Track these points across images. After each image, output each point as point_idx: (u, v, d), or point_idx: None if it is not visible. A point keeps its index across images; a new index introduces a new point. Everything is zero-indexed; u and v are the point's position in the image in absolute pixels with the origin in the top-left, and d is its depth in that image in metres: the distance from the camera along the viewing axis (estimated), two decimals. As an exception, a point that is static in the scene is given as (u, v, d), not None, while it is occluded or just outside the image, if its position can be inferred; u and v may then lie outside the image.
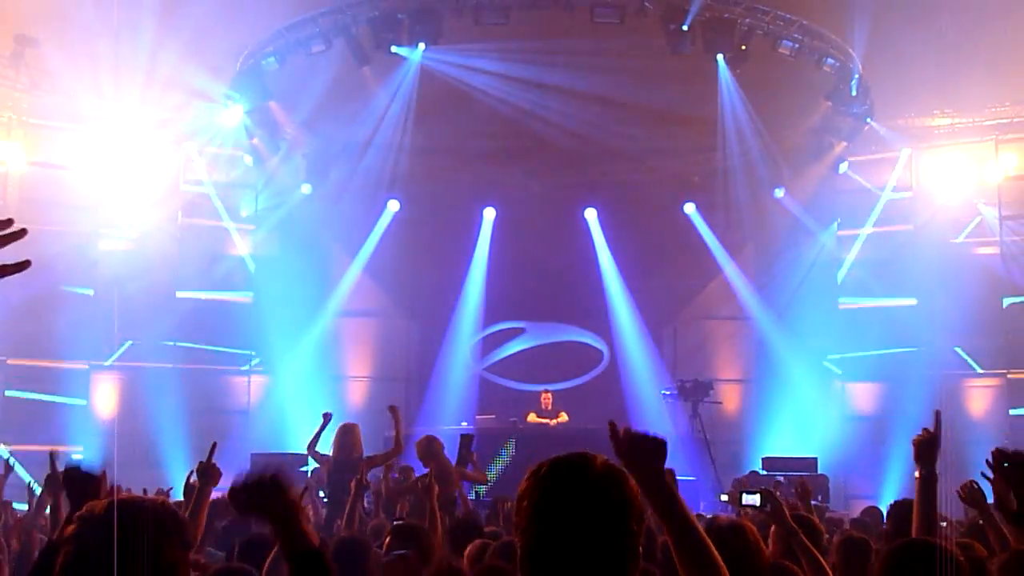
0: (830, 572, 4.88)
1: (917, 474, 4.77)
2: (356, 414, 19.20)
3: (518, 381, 20.75)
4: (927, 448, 4.75)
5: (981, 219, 19.72)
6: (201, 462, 5.53)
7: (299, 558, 2.75)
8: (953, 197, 20.05)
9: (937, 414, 4.80)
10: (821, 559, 4.87)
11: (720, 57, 16.81)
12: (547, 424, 17.80)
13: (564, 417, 17.93)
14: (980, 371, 19.31)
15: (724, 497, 9.54)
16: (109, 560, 2.63)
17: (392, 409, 11.12)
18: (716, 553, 2.83)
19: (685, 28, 15.85)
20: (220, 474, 5.58)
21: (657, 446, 2.89)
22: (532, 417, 18.04)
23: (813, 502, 11.46)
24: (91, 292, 18.96)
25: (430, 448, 11.12)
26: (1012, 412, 18.76)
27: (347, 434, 11.00)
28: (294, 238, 20.65)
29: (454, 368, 20.80)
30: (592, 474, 2.53)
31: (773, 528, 5.32)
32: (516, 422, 17.78)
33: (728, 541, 4.08)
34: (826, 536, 5.82)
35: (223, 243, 20.42)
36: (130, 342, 19.23)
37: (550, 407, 18.02)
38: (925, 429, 4.76)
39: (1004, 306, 19.07)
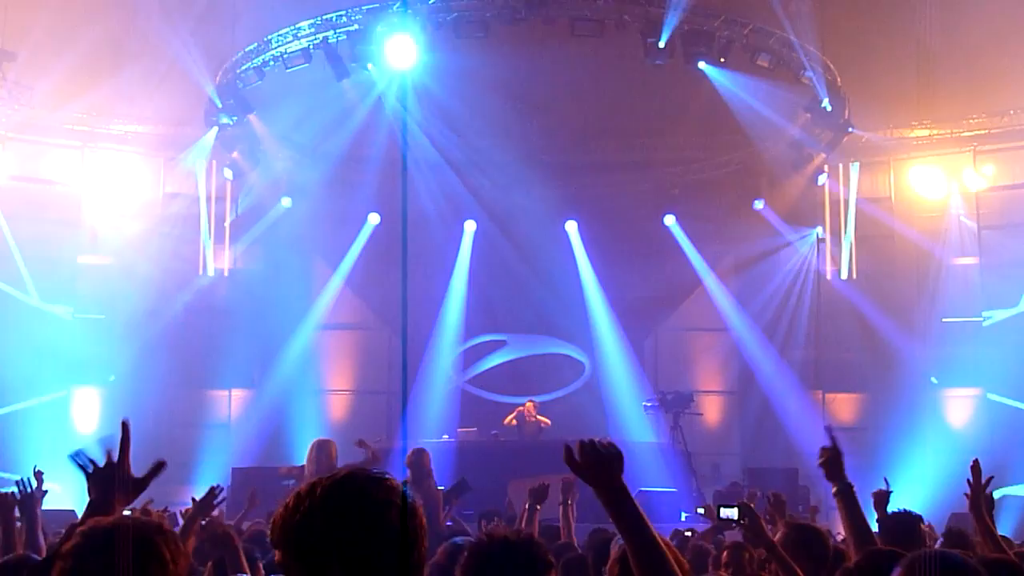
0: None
1: (834, 491, 4.80)
2: (338, 428, 19.19)
3: (500, 394, 20.69)
4: (833, 464, 4.78)
5: (960, 229, 19.82)
6: (198, 498, 5.77)
7: None
8: (931, 208, 20.15)
9: (828, 429, 4.87)
10: (799, 572, 4.86)
11: (705, 64, 16.71)
12: (512, 423, 17.85)
13: (545, 421, 17.97)
14: (959, 383, 19.35)
15: (701, 510, 9.51)
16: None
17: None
18: (675, 565, 2.85)
19: (661, 46, 15.86)
20: (213, 507, 5.86)
21: (611, 457, 2.89)
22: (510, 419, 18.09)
23: (794, 512, 11.47)
24: (71, 308, 18.95)
25: (420, 464, 10.93)
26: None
27: (322, 449, 10.74)
28: (275, 251, 20.61)
29: (436, 381, 20.74)
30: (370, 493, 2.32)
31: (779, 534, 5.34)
32: (497, 435, 17.75)
33: None
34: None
35: (204, 256, 20.35)
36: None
37: (534, 418, 18.00)
38: (823, 448, 4.79)
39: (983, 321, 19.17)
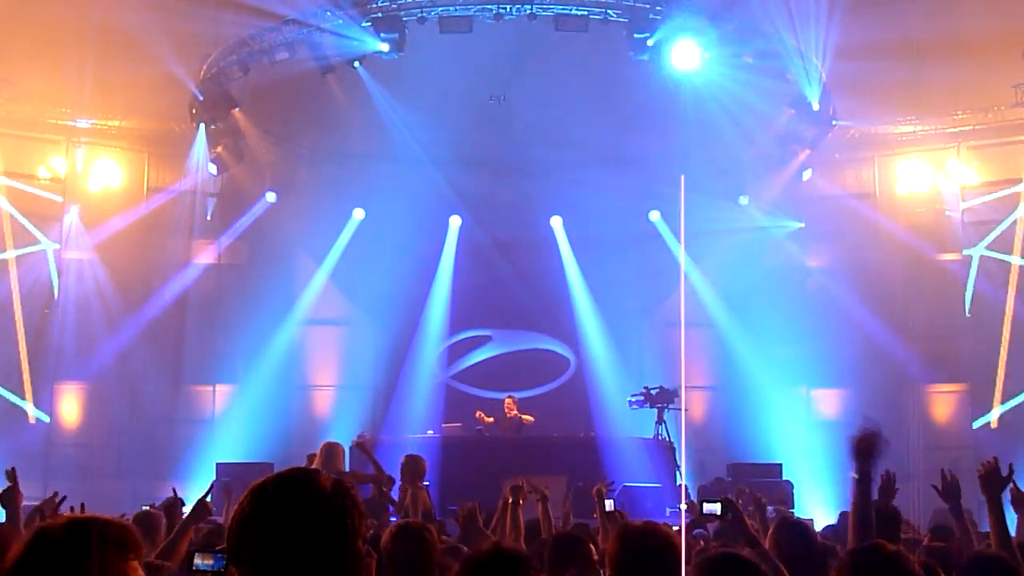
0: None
1: (854, 474, 4.75)
2: (322, 424, 19.19)
3: (485, 389, 20.68)
4: (864, 449, 4.73)
5: (945, 224, 19.86)
6: (197, 502, 5.78)
7: None
8: (916, 203, 20.19)
9: (867, 418, 4.83)
10: (784, 570, 4.85)
11: (689, 58, 16.64)
12: (485, 423, 17.77)
13: (528, 418, 17.92)
14: (943, 378, 19.40)
15: (683, 506, 9.52)
16: None
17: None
18: None
19: (650, 43, 15.85)
20: (211, 512, 5.87)
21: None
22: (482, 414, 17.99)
23: (779, 507, 11.50)
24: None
25: (416, 470, 10.81)
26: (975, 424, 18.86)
27: (330, 453, 10.54)
28: (259, 246, 20.56)
29: (420, 376, 20.70)
30: (318, 492, 2.40)
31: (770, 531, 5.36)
32: (482, 430, 17.74)
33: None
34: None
35: (188, 252, 20.29)
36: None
37: (515, 414, 17.95)
38: (860, 429, 4.75)
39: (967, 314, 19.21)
